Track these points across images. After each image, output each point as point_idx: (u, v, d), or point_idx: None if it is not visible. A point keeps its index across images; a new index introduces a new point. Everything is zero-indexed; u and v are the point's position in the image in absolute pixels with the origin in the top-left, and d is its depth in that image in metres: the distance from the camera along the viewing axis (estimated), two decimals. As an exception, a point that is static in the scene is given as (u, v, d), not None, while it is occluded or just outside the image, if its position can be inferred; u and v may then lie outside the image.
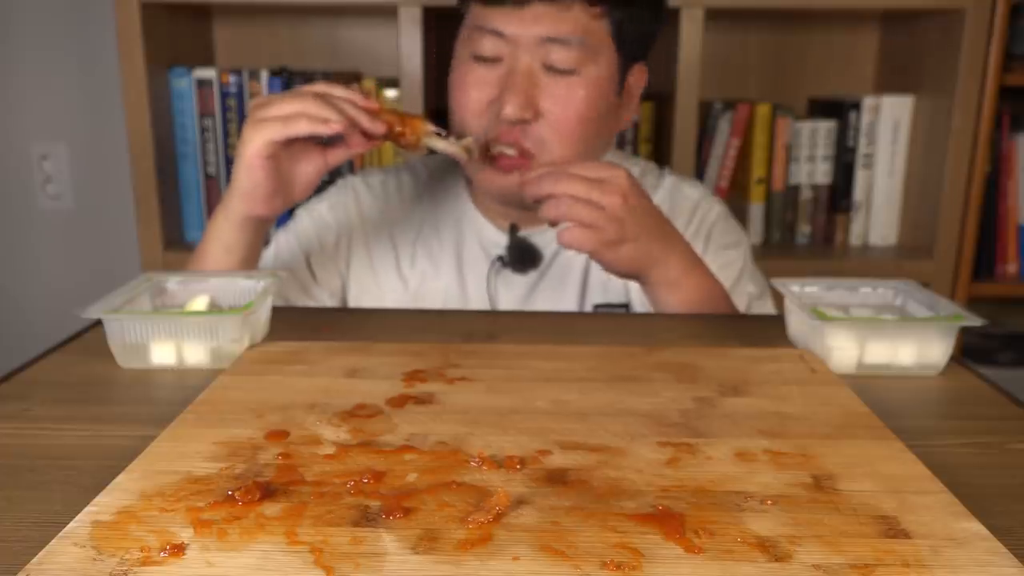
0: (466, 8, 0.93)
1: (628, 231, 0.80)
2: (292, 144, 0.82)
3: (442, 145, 0.86)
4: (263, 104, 0.81)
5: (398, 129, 0.84)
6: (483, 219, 1.00)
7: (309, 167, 0.84)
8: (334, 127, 0.79)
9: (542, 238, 0.98)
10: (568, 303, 0.99)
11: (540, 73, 0.88)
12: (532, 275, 0.98)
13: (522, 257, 0.98)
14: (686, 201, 1.03)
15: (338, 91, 0.82)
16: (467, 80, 0.90)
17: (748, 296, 0.99)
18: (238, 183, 0.83)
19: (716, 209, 1.04)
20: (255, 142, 0.80)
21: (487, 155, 0.90)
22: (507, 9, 0.87)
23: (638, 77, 0.96)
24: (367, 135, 0.82)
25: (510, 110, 0.87)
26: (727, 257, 1.01)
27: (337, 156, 0.85)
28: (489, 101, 0.89)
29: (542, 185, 0.81)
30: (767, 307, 1.00)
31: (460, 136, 0.89)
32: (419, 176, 1.06)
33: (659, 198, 1.03)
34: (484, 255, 0.99)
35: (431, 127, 0.85)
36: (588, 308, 0.99)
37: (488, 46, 0.88)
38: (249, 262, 0.88)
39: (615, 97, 0.94)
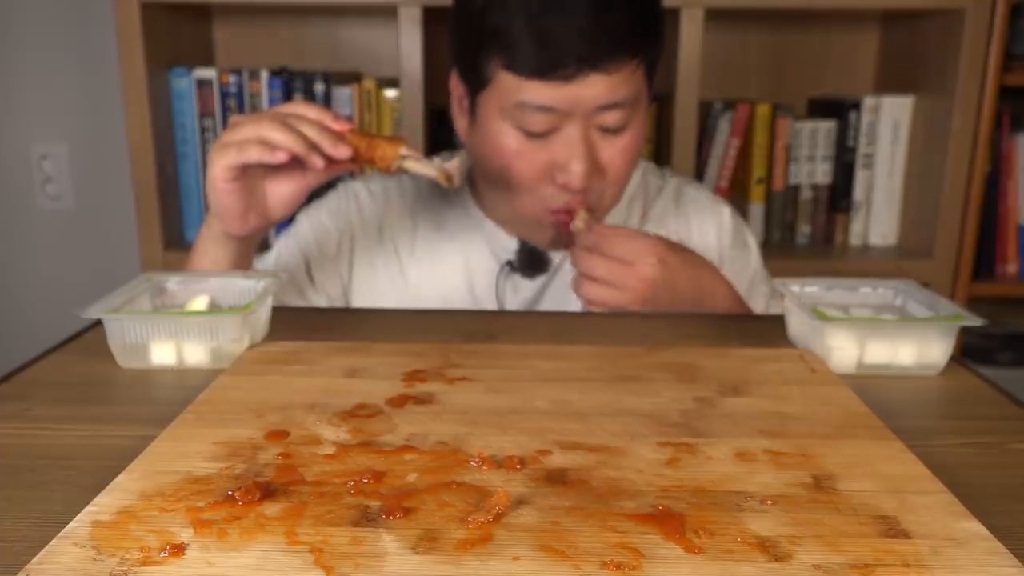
0: (489, 72, 0.86)
1: (656, 303, 0.83)
2: (266, 166, 0.80)
3: (418, 168, 0.82)
4: (232, 126, 0.80)
5: (366, 154, 0.81)
6: (492, 224, 1.00)
7: (287, 187, 0.83)
8: (280, 156, 0.77)
9: None
10: (575, 308, 0.98)
11: (594, 134, 0.87)
12: (540, 280, 0.98)
13: (531, 262, 0.97)
14: (693, 205, 1.03)
15: (311, 112, 0.80)
16: (518, 155, 0.88)
17: (765, 297, 1.00)
18: (211, 203, 0.83)
19: (726, 212, 1.04)
20: (214, 167, 0.79)
21: (549, 219, 0.90)
22: (555, 83, 0.83)
23: None
24: (332, 159, 0.80)
25: (578, 181, 0.85)
26: (742, 260, 1.01)
27: (317, 176, 0.83)
28: (544, 168, 0.87)
29: (574, 263, 0.84)
30: (780, 305, 1.00)
31: (446, 159, 0.85)
32: (421, 180, 1.06)
33: (663, 201, 1.03)
34: (492, 260, 0.99)
35: (404, 151, 0.81)
36: None
37: (538, 123, 0.85)
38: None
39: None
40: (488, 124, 0.89)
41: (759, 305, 0.98)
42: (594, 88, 0.83)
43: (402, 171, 0.82)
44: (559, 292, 0.98)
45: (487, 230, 1.00)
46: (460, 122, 0.96)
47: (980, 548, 0.39)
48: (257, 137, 0.78)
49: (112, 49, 1.51)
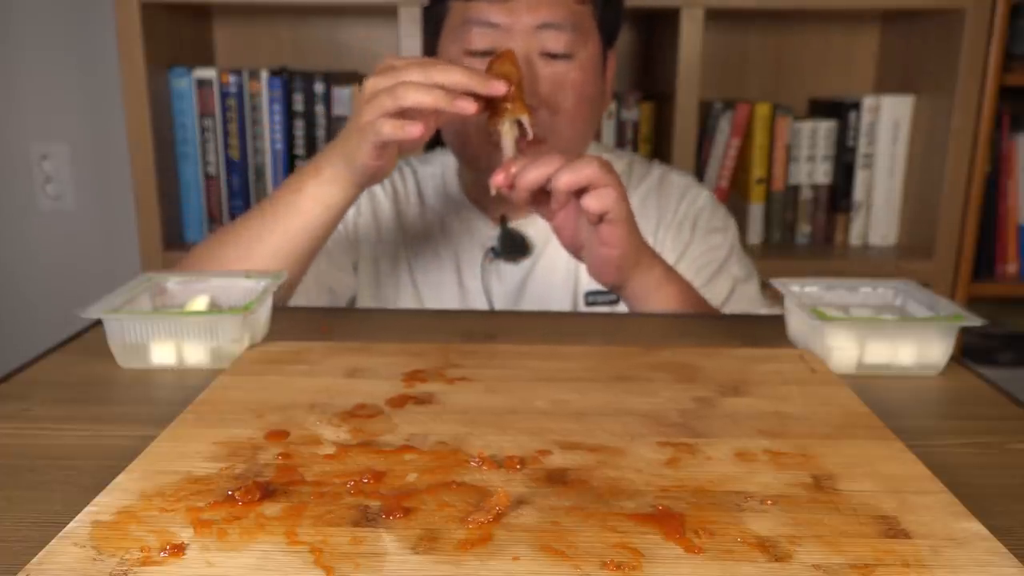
0: (444, 10, 0.93)
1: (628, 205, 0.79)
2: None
3: (507, 140, 0.81)
4: (389, 88, 0.75)
5: (506, 100, 0.78)
6: (475, 211, 1.03)
7: (418, 132, 0.78)
8: (415, 132, 0.75)
9: (532, 228, 0.99)
10: (561, 291, 1.00)
11: (536, 59, 0.89)
12: (524, 264, 1.00)
13: (513, 247, 0.99)
14: (674, 188, 1.06)
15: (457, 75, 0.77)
16: None
17: (734, 279, 1.01)
18: (346, 156, 0.80)
19: (704, 195, 1.06)
20: (365, 143, 0.77)
21: (489, 153, 0.89)
22: (496, 2, 0.88)
23: (611, 64, 0.99)
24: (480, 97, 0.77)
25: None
26: (714, 240, 1.02)
27: (442, 119, 0.81)
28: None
29: (532, 172, 0.76)
30: (752, 290, 1.02)
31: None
32: (416, 169, 1.09)
33: (647, 185, 1.05)
34: (477, 246, 1.01)
35: (526, 120, 0.79)
36: (580, 295, 1.00)
37: (481, 39, 0.89)
38: (339, 217, 0.85)
39: (601, 82, 0.96)
40: (441, 58, 0.93)
41: (724, 286, 0.99)
42: (531, 7, 0.87)
43: (496, 127, 0.81)
44: (544, 276, 1.00)
45: (471, 216, 1.02)
46: None
47: (980, 548, 0.39)
48: (419, 105, 0.75)
49: (112, 49, 1.51)
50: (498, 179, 0.77)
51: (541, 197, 0.79)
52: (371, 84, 0.77)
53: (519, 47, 0.88)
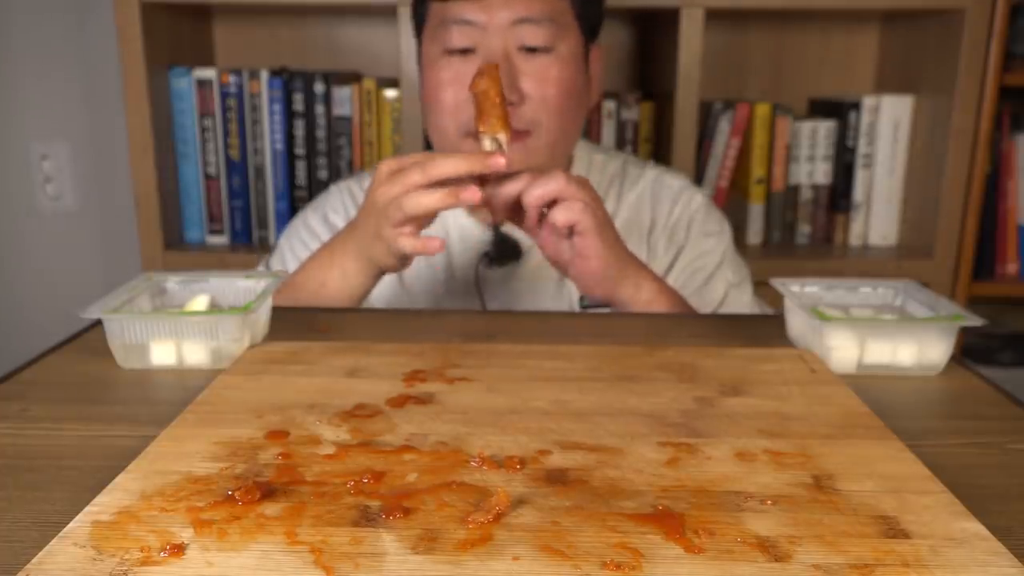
0: (425, 11, 0.94)
1: (609, 222, 0.81)
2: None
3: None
4: (396, 198, 0.77)
5: (481, 104, 0.79)
6: (467, 216, 1.03)
7: (437, 247, 0.83)
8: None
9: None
10: (554, 295, 1.00)
11: (516, 55, 0.89)
12: (517, 268, 1.00)
13: (506, 251, 0.99)
14: (669, 190, 1.05)
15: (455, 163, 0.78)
16: (442, 77, 0.91)
17: (727, 284, 1.01)
18: (371, 259, 0.83)
19: (698, 198, 1.06)
20: (389, 257, 0.81)
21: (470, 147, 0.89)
22: (472, 0, 0.88)
23: (596, 59, 0.99)
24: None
25: None
26: (708, 244, 1.02)
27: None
28: (467, 88, 0.89)
29: (503, 191, 0.79)
30: (745, 295, 1.02)
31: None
32: None
33: (641, 187, 1.05)
34: (471, 250, 1.01)
35: (503, 138, 0.79)
36: (574, 298, 1.00)
37: (458, 37, 0.89)
38: (365, 295, 0.88)
39: (584, 76, 0.96)
40: (424, 64, 0.94)
41: (718, 290, 1.00)
42: (507, 2, 0.88)
43: (473, 139, 0.82)
44: (537, 279, 1.00)
45: (462, 221, 1.02)
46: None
47: (980, 548, 0.39)
48: (434, 208, 0.78)
49: (112, 49, 1.51)
50: (476, 196, 0.79)
51: (520, 214, 0.80)
52: (381, 194, 0.79)
53: (497, 43, 0.88)
